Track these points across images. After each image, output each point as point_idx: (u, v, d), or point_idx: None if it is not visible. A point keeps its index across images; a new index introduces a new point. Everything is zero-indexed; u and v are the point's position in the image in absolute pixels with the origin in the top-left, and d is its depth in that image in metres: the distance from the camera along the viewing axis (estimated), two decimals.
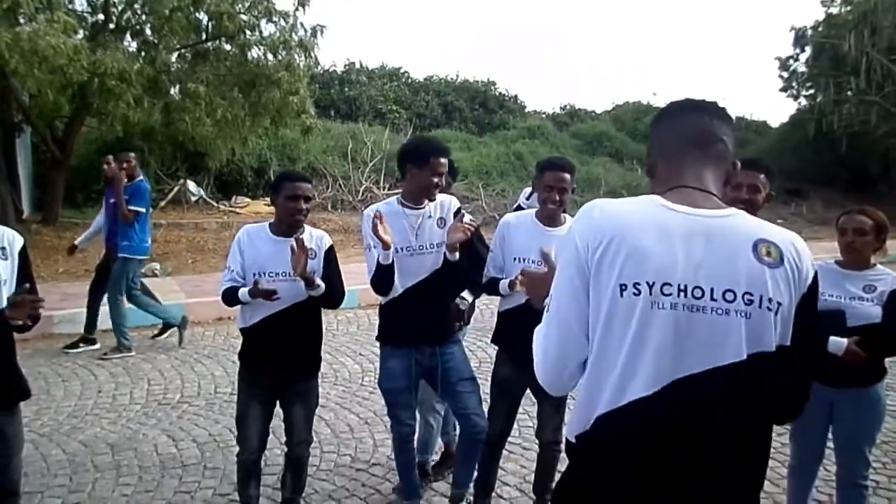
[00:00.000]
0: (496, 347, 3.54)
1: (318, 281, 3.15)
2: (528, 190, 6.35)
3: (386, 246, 3.10)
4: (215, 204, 14.40)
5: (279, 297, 3.09)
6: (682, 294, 1.42)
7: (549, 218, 3.32)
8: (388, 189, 15.84)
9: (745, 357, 1.42)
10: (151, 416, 4.91)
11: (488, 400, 3.51)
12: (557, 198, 3.23)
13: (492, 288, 3.37)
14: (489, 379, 3.54)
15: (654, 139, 1.69)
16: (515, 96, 28.00)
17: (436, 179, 3.21)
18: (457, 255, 3.21)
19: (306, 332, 3.31)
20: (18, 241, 2.70)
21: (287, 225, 3.22)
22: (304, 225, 3.28)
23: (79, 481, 3.94)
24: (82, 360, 6.17)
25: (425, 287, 3.27)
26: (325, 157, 16.71)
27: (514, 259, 3.29)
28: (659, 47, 63.43)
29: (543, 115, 28.32)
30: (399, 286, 3.26)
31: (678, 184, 1.55)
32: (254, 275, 3.14)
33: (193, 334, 7.08)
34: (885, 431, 4.68)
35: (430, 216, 3.30)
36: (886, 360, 3.12)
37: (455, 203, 3.42)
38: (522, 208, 5.72)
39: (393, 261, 3.15)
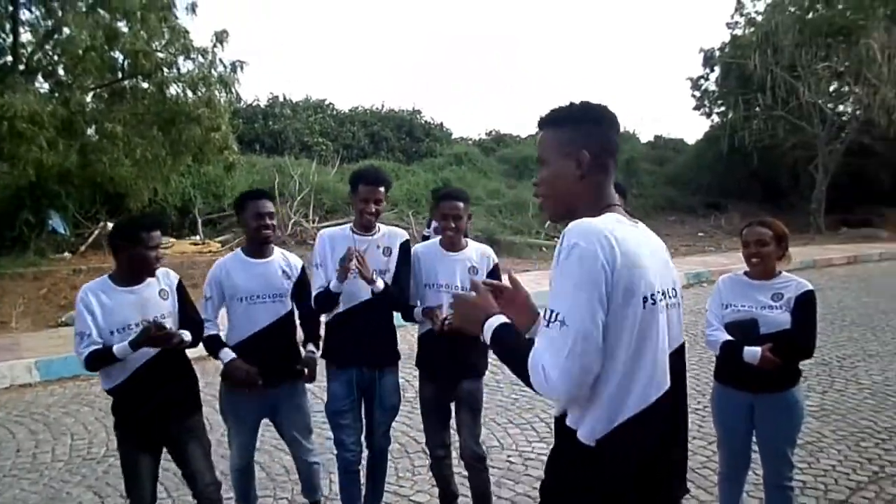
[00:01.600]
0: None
1: (185, 336, 3.08)
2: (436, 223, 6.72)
3: (343, 278, 3.32)
4: None
5: (175, 337, 2.99)
6: (665, 297, 1.70)
7: (451, 244, 3.56)
8: (318, 222, 15.72)
9: (683, 339, 1.78)
10: (75, 472, 4.68)
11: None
12: (453, 224, 3.48)
13: (408, 315, 3.62)
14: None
15: (594, 140, 1.76)
16: (441, 124, 28.37)
17: (362, 206, 3.44)
18: (378, 284, 3.37)
19: (178, 372, 3.21)
20: None
21: (136, 272, 3.08)
22: (157, 271, 3.16)
23: None
24: None
25: (365, 309, 3.47)
26: None
27: (425, 286, 3.55)
28: (579, 74, 65.33)
29: (470, 142, 28.72)
30: (341, 305, 3.47)
31: (610, 201, 1.77)
32: (111, 332, 2.98)
33: None
34: (809, 432, 4.88)
35: (378, 245, 3.52)
36: (802, 362, 3.25)
37: (403, 236, 3.66)
38: (428, 238, 6.09)
39: (341, 291, 3.38)
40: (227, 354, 3.36)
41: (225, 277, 3.44)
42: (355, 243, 3.45)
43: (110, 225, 13.91)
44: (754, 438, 3.29)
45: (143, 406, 3.08)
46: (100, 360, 2.97)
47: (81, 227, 13.79)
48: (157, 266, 3.12)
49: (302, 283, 3.61)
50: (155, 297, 3.11)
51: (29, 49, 11.34)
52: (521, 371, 1.64)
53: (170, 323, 3.09)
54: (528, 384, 1.64)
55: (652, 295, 1.63)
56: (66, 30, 10.69)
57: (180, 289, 3.26)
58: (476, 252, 3.58)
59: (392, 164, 22.01)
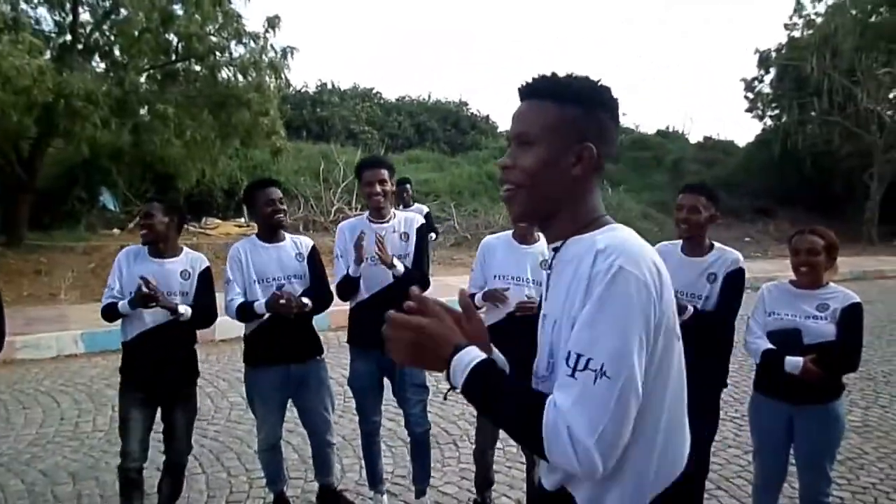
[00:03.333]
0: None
1: (181, 308, 3.32)
2: None
3: (359, 261, 3.39)
4: (185, 225, 14.27)
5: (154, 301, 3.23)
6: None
7: (523, 236, 3.52)
8: (360, 209, 15.83)
9: None
10: (115, 443, 4.75)
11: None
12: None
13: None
14: None
15: (603, 133, 1.37)
16: (487, 116, 28.33)
17: (368, 189, 3.52)
18: (399, 268, 3.43)
19: (182, 342, 3.47)
20: None
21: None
22: (183, 247, 3.53)
23: None
24: (44, 386, 6.04)
25: (386, 294, 3.49)
26: (296, 178, 16.69)
27: (494, 276, 3.52)
28: (632, 71, 64.41)
29: None
30: (364, 292, 3.53)
31: (602, 212, 1.40)
32: (130, 293, 3.31)
33: None
34: (851, 447, 4.75)
35: (394, 230, 3.57)
36: (846, 376, 3.16)
37: (418, 220, 3.69)
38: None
39: (360, 274, 3.45)
40: (260, 304, 3.40)
41: (244, 260, 3.54)
42: (372, 231, 3.50)
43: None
44: (792, 451, 3.22)
45: (146, 364, 3.34)
46: (111, 311, 3.33)
47: (130, 204, 14.11)
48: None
49: (311, 258, 3.66)
50: (175, 275, 3.39)
51: (87, 29, 11.59)
52: (525, 431, 1.25)
53: (178, 300, 3.36)
54: (536, 450, 1.23)
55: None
56: (123, 10, 10.90)
57: (203, 275, 3.48)
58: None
59: (436, 156, 22.05)
